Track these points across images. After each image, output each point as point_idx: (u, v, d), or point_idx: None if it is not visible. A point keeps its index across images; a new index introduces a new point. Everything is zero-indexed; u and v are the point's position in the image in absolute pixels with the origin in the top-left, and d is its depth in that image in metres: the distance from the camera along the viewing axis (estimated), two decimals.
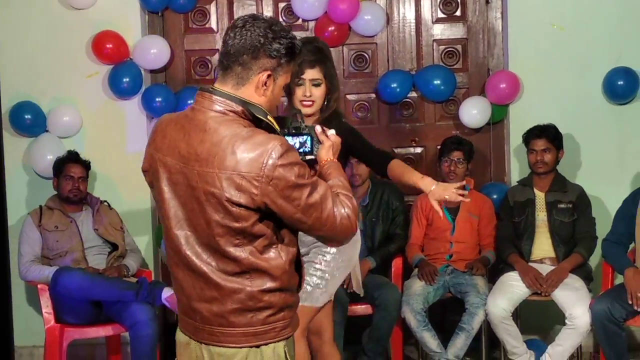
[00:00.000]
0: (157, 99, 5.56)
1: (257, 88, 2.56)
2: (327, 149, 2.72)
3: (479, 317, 4.98)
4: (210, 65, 5.87)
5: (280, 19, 5.84)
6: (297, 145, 2.68)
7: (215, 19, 5.88)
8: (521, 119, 5.60)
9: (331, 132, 2.76)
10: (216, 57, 5.86)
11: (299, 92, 3.90)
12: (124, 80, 5.58)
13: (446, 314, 5.54)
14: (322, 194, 2.51)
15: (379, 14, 5.71)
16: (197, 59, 5.87)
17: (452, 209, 5.36)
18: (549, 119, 5.34)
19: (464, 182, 4.10)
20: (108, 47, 5.56)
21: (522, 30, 5.64)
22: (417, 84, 5.75)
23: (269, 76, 2.56)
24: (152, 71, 5.76)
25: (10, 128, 5.61)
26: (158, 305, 4.83)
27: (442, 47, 5.86)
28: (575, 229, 5.14)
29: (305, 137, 2.69)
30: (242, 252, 2.52)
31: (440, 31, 5.85)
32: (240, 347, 2.57)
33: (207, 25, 5.88)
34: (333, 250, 3.92)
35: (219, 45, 5.85)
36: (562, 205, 5.16)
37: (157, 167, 2.62)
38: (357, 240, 4.00)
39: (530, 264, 5.09)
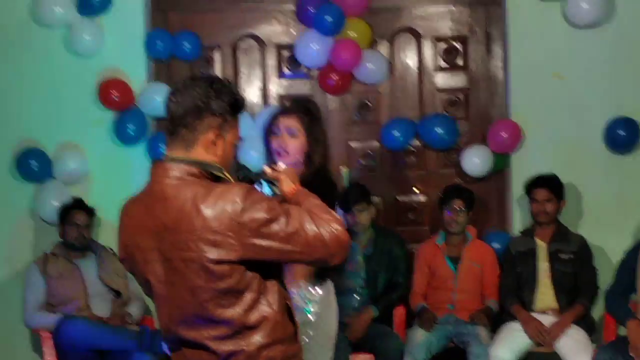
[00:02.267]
0: (162, 146, 5.59)
1: (207, 148, 2.55)
2: (285, 182, 2.75)
3: None
4: None
5: (284, 68, 5.91)
6: None
7: (220, 67, 5.93)
8: (523, 167, 5.64)
9: (281, 165, 2.80)
10: None
11: (274, 142, 3.71)
12: (129, 127, 5.63)
13: None
14: (299, 218, 2.49)
15: (381, 62, 5.77)
16: None
17: (454, 258, 5.38)
18: (550, 168, 5.39)
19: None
20: (114, 94, 5.62)
21: (523, 80, 5.71)
22: (420, 133, 5.79)
23: (216, 135, 2.55)
24: (157, 118, 5.81)
25: (16, 174, 5.64)
26: (160, 353, 4.83)
27: (444, 96, 5.91)
28: (577, 280, 5.16)
29: (259, 184, 2.73)
30: (232, 313, 2.51)
31: (442, 80, 5.91)
32: None
33: (212, 73, 5.93)
34: (311, 332, 3.75)
35: None
36: (564, 256, 5.18)
37: (132, 252, 2.60)
38: (332, 305, 3.89)
39: (533, 314, 5.10)
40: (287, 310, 2.63)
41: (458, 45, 5.89)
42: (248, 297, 2.52)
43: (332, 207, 3.79)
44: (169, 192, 2.51)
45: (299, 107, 3.83)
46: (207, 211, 2.45)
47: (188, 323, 2.55)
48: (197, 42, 5.78)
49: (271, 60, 5.92)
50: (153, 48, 5.71)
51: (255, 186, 2.72)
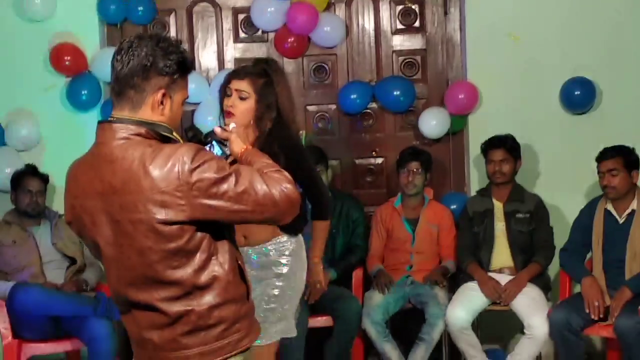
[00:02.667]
0: None
1: (154, 108, 2.51)
2: (235, 142, 2.73)
3: (439, 327, 5.00)
4: None
5: (240, 31, 5.85)
6: None
7: (174, 31, 5.85)
8: (480, 129, 5.64)
9: (231, 126, 2.78)
10: None
11: (225, 102, 3.79)
12: (83, 92, 5.56)
13: (407, 325, 5.55)
14: (250, 178, 2.47)
15: (338, 25, 5.74)
16: None
17: (412, 220, 5.38)
18: (507, 129, 5.38)
19: None
20: (66, 59, 5.54)
21: (480, 41, 5.70)
22: (376, 95, 5.77)
23: (164, 94, 2.51)
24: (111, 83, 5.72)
25: None
26: (117, 320, 4.79)
27: (401, 58, 5.89)
28: (533, 239, 5.18)
29: (209, 145, 2.70)
30: (182, 273, 2.49)
31: (399, 42, 5.87)
32: None
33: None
34: (280, 282, 3.87)
35: None
36: (520, 215, 5.20)
37: (80, 215, 2.56)
38: (302, 259, 3.98)
39: (490, 273, 5.12)
40: (239, 270, 2.62)
41: (415, 7, 5.85)
42: (198, 257, 2.50)
43: (310, 169, 3.86)
44: (116, 153, 2.46)
45: (254, 69, 3.84)
46: (155, 172, 2.42)
47: (137, 285, 2.53)
48: (151, 5, 5.71)
49: (227, 24, 5.86)
50: (106, 12, 5.63)
51: (206, 147, 2.68)
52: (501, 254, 5.18)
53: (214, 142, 2.70)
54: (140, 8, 5.66)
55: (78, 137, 5.62)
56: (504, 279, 5.09)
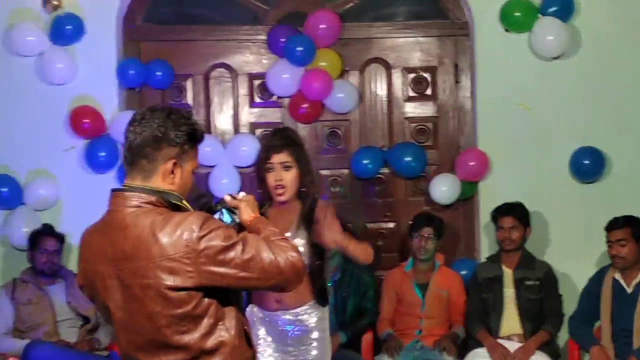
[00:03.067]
0: None
1: (165, 177, 2.61)
2: (245, 210, 2.81)
3: None
4: None
5: (256, 96, 5.98)
6: None
7: (191, 95, 6.00)
8: (490, 196, 5.72)
9: (241, 194, 2.86)
10: None
11: (270, 178, 3.90)
12: (100, 154, 5.67)
13: None
14: (256, 246, 2.56)
15: (351, 91, 5.86)
16: None
17: (422, 285, 5.43)
18: (517, 197, 5.46)
19: None
20: (85, 122, 5.66)
21: (490, 109, 5.80)
22: (388, 161, 5.87)
23: (175, 164, 2.61)
24: None
25: None
26: None
27: (413, 125, 6.00)
28: (542, 306, 5.22)
29: (219, 213, 2.78)
30: (190, 338, 2.56)
31: (411, 109, 5.99)
32: None
33: (183, 101, 5.99)
34: (317, 345, 3.97)
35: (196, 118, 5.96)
36: (530, 282, 5.25)
37: (92, 279, 2.65)
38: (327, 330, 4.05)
39: (499, 340, 5.15)
40: (245, 336, 2.68)
41: (427, 76, 5.98)
42: (206, 322, 2.57)
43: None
44: (128, 220, 2.56)
45: (286, 140, 3.96)
46: (164, 239, 2.51)
47: (146, 349, 2.60)
48: (169, 70, 5.84)
49: (243, 89, 5.99)
50: (125, 76, 5.77)
51: (217, 214, 2.76)
52: (510, 321, 5.22)
53: (223, 210, 2.78)
54: (159, 73, 5.80)
55: (95, 197, 5.58)
56: (512, 346, 5.12)
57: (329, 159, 6.02)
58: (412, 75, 5.99)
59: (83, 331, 5.17)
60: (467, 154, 5.77)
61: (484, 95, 5.81)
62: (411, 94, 6.00)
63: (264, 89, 5.94)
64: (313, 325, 4.00)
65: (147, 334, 2.58)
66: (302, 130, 5.94)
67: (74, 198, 5.75)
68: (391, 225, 6.01)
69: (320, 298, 3.97)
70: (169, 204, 2.60)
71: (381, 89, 6.00)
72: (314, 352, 3.96)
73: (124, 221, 2.56)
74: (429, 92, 6.00)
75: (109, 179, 5.72)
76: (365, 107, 5.99)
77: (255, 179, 4.07)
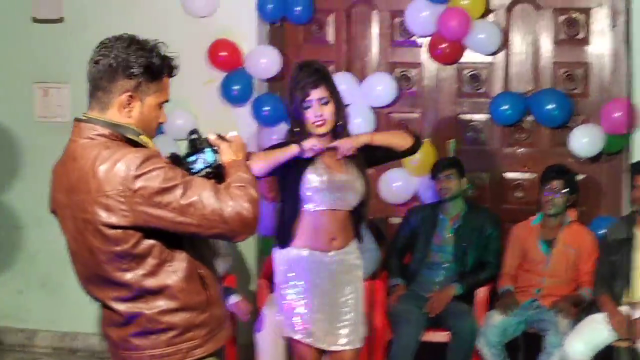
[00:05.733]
0: (265, 108, 5.66)
1: (121, 110, 2.52)
2: (225, 151, 2.65)
3: (556, 357, 4.70)
4: None
5: (396, 35, 5.79)
6: (200, 161, 2.63)
7: (332, 31, 5.89)
8: None
9: (230, 134, 2.72)
10: (332, 68, 5.89)
11: (309, 115, 3.87)
12: (234, 88, 5.72)
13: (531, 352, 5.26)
14: (200, 191, 2.43)
15: (494, 32, 5.52)
16: None
17: (549, 241, 5.10)
18: None
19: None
20: (222, 55, 5.72)
21: None
22: (531, 108, 5.51)
23: (131, 97, 2.51)
24: (268, 81, 5.85)
25: None
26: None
27: (561, 71, 5.58)
28: None
29: (204, 151, 2.64)
30: (131, 276, 2.50)
31: (560, 54, 5.57)
32: None
33: (324, 37, 5.91)
34: (360, 285, 4.05)
35: (334, 56, 5.88)
36: None
37: (55, 207, 2.63)
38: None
39: (622, 307, 4.74)
40: (200, 281, 2.59)
41: (580, 18, 5.53)
42: (150, 262, 2.51)
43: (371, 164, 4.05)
44: (78, 152, 2.51)
45: (320, 74, 3.92)
46: (102, 174, 2.43)
47: (94, 282, 2.58)
48: (310, 5, 5.76)
49: (383, 28, 5.81)
50: (264, 10, 5.75)
51: (201, 153, 2.65)
52: (637, 287, 4.78)
53: (207, 149, 2.67)
54: (298, 8, 5.74)
55: (230, 128, 5.74)
56: (636, 314, 4.70)
57: (468, 104, 5.74)
58: (563, 17, 5.55)
59: None
60: (613, 104, 5.30)
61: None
62: (561, 37, 5.57)
63: (404, 28, 5.73)
64: (358, 263, 4.01)
65: (92, 268, 2.55)
66: (442, 71, 5.72)
67: (210, 130, 5.80)
68: (531, 176, 5.66)
69: (359, 236, 4.06)
70: (125, 139, 2.52)
71: (529, 31, 5.61)
72: (360, 286, 4.01)
73: (75, 152, 2.52)
74: (581, 35, 5.54)
75: (243, 112, 5.78)
76: (511, 50, 5.63)
77: (291, 122, 3.98)
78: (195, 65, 5.82)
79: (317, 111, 3.87)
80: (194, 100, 5.86)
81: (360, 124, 5.66)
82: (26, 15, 6.04)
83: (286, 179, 3.93)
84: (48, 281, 6.00)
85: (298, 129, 3.93)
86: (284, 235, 3.99)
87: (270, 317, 4.73)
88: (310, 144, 3.84)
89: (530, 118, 5.58)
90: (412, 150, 4.03)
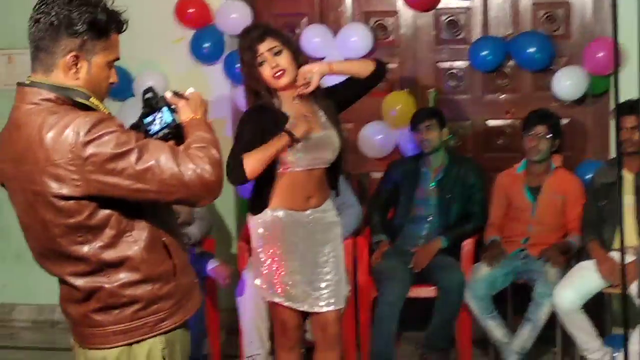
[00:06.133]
0: (237, 65, 5.44)
1: (66, 72, 2.32)
2: (183, 110, 2.48)
3: (546, 307, 4.57)
4: (297, 30, 5.68)
5: None
6: (157, 122, 2.46)
7: None
8: (627, 93, 5.03)
9: (188, 91, 2.54)
10: (304, 21, 5.69)
11: (265, 71, 3.67)
12: (205, 45, 5.52)
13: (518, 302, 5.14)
14: (158, 155, 2.25)
15: None
16: (285, 23, 5.69)
17: (534, 188, 4.95)
18: None
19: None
20: (190, 12, 5.51)
21: None
22: (511, 52, 5.33)
23: (76, 57, 2.32)
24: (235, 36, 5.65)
25: None
26: (204, 276, 4.76)
27: (541, 12, 5.40)
28: None
29: (161, 111, 2.47)
30: (88, 249, 2.33)
31: None
32: (111, 348, 2.41)
33: None
34: (340, 243, 3.88)
35: (307, 8, 5.68)
36: None
37: (3, 179, 2.44)
38: None
39: (611, 253, 4.61)
40: (165, 249, 2.43)
41: None
42: (106, 234, 2.33)
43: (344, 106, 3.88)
44: (22, 119, 2.32)
45: (264, 29, 3.75)
46: (49, 142, 2.24)
47: (49, 257, 2.41)
48: None
49: None
50: None
51: (157, 112, 2.47)
52: (627, 232, 4.63)
53: (164, 109, 2.49)
54: None
55: (203, 89, 5.53)
56: (626, 260, 4.55)
57: (447, 51, 5.57)
58: None
59: None
60: (596, 44, 5.12)
61: None
62: None
63: None
64: (336, 220, 3.87)
65: (45, 242, 2.38)
66: (419, 18, 5.53)
67: (183, 88, 5.57)
68: (514, 122, 5.50)
69: (336, 192, 3.92)
70: (73, 103, 2.32)
71: None
72: (337, 249, 3.84)
73: (19, 119, 2.32)
74: None
75: (215, 70, 5.58)
76: None
77: (250, 88, 3.77)
78: (163, 24, 5.63)
79: (272, 62, 3.65)
80: (164, 60, 5.67)
81: (336, 77, 5.48)
82: None
83: (262, 142, 3.75)
84: (23, 254, 5.80)
85: (260, 92, 3.71)
86: (259, 200, 3.82)
87: (251, 281, 4.58)
88: (302, 131, 3.65)
89: (511, 63, 5.41)
90: (377, 75, 3.79)
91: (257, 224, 3.82)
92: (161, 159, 2.25)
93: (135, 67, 5.67)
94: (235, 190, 5.60)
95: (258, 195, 3.81)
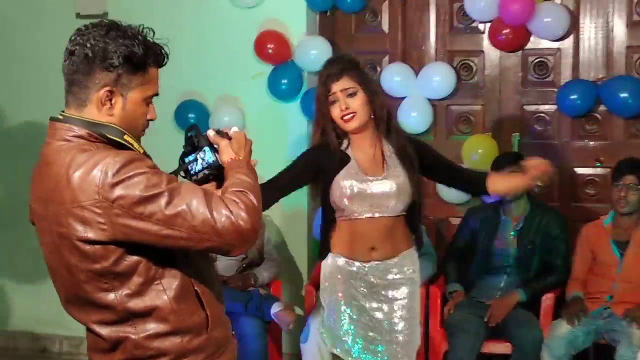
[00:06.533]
0: None
1: (100, 107, 2.19)
2: (225, 150, 2.31)
3: None
4: (379, 69, 5.52)
5: (455, 21, 5.39)
6: (199, 162, 2.32)
7: (387, 19, 5.53)
8: None
9: (233, 129, 2.37)
10: (386, 59, 5.53)
11: (335, 112, 3.49)
12: (283, 81, 5.41)
13: None
14: (188, 199, 2.08)
15: (561, 15, 5.08)
16: (366, 60, 5.52)
17: (622, 242, 4.65)
18: None
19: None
20: (269, 47, 5.41)
21: None
22: (602, 96, 5.06)
23: (111, 92, 2.18)
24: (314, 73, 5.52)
25: (175, 125, 5.60)
26: (269, 320, 4.61)
27: (636, 56, 5.11)
28: None
29: (203, 150, 2.31)
30: (114, 297, 2.18)
31: (634, 37, 5.10)
32: None
33: (377, 26, 5.55)
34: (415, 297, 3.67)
35: (389, 46, 5.52)
36: None
37: (32, 218, 2.31)
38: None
39: None
40: (198, 300, 2.26)
41: None
42: (134, 281, 2.18)
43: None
44: (52, 156, 2.19)
45: (344, 65, 3.54)
46: (77, 182, 2.11)
47: (74, 303, 2.27)
48: None
49: (441, 14, 5.42)
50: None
51: (199, 152, 2.33)
52: None
53: (206, 148, 2.34)
54: None
55: (280, 127, 5.52)
56: None
57: (534, 93, 5.32)
58: None
59: (240, 266, 4.92)
60: None
61: None
62: (635, 18, 5.10)
63: (464, 14, 5.33)
64: (408, 276, 3.60)
65: (71, 288, 2.24)
66: (506, 60, 5.31)
67: (259, 126, 5.52)
68: (604, 171, 5.20)
69: (418, 244, 3.66)
70: (107, 140, 2.19)
71: (599, 13, 5.15)
72: (406, 308, 3.60)
73: (49, 156, 2.20)
74: None
75: (293, 107, 5.46)
76: (580, 34, 5.18)
77: (318, 124, 3.59)
78: (243, 59, 5.54)
79: (343, 104, 3.47)
80: (242, 96, 5.58)
81: (417, 117, 5.32)
82: (70, 10, 5.82)
83: (314, 180, 3.59)
84: None
85: (327, 130, 3.54)
86: (324, 243, 3.66)
87: (315, 328, 4.40)
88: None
89: (602, 108, 5.14)
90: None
91: (322, 268, 3.67)
92: (193, 203, 2.10)
93: (212, 102, 5.60)
94: (308, 230, 5.46)
95: (324, 238, 3.66)
